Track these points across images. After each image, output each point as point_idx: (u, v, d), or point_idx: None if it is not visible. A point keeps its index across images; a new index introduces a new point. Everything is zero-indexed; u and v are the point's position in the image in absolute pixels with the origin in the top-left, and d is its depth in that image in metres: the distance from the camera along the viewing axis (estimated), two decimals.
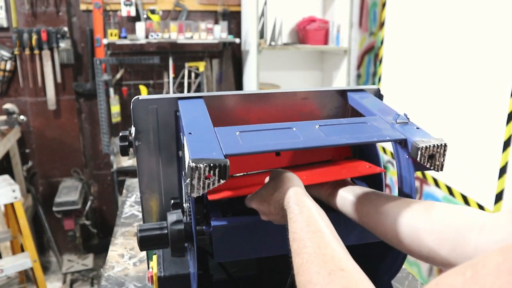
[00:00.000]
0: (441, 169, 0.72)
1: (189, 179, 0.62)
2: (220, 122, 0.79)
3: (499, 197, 1.80)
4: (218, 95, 0.87)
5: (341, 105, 0.97)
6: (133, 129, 0.85)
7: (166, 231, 0.74)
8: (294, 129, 0.74)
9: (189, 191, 0.63)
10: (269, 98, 0.91)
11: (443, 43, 2.13)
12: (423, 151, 0.70)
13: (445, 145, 0.71)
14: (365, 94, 0.94)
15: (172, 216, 0.75)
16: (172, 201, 0.90)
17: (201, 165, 0.61)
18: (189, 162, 0.62)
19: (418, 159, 0.70)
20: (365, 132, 0.75)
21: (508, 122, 1.74)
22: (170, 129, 0.86)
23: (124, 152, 0.86)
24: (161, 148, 0.87)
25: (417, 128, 0.77)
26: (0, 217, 2.56)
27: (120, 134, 0.86)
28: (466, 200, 2.00)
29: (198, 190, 0.62)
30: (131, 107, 0.82)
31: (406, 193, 0.78)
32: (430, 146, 0.70)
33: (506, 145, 1.76)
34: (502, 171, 1.78)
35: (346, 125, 0.78)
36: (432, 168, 0.72)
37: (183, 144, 0.73)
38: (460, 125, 1.99)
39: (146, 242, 0.75)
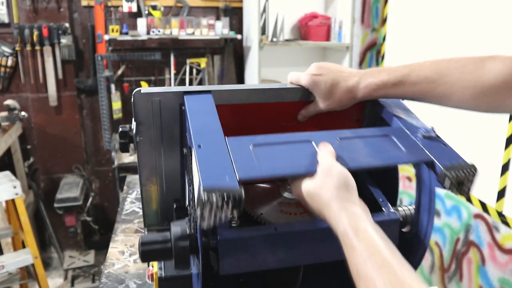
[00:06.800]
0: (467, 195, 0.69)
1: (199, 209, 0.58)
2: (229, 120, 0.76)
3: (501, 194, 1.79)
4: (228, 90, 0.82)
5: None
6: (133, 124, 0.80)
7: (170, 245, 0.69)
8: (312, 142, 0.69)
9: (198, 222, 0.59)
10: (281, 93, 0.85)
11: (446, 39, 2.12)
12: (453, 180, 0.66)
13: (475, 170, 0.67)
14: (393, 100, 0.88)
15: (177, 229, 0.70)
16: (175, 205, 0.85)
17: (214, 198, 0.57)
18: (200, 192, 0.57)
19: (445, 186, 0.67)
20: (389, 149, 0.71)
21: (511, 119, 1.73)
22: (174, 124, 0.81)
23: (124, 148, 0.82)
24: (164, 144, 0.83)
25: (444, 145, 0.72)
26: (1, 213, 2.56)
27: (120, 129, 0.81)
28: (467, 197, 1.99)
29: (209, 220, 0.58)
30: (132, 100, 0.77)
31: (424, 211, 0.74)
32: (460, 173, 0.65)
33: (508, 142, 1.75)
34: (505, 168, 1.77)
35: (369, 139, 0.73)
36: (458, 193, 0.68)
37: (191, 154, 0.68)
38: (462, 121, 1.98)
39: (149, 256, 0.71)
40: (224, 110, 0.77)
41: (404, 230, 0.81)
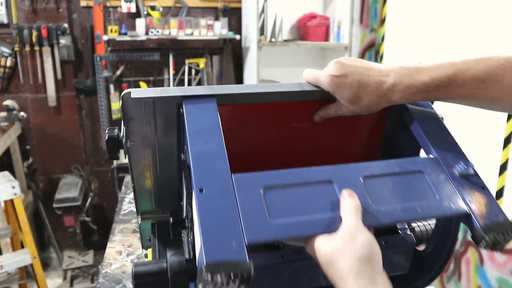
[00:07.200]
0: (500, 251, 0.64)
1: (201, 285, 0.50)
2: (232, 120, 0.68)
3: (499, 194, 1.79)
4: (234, 94, 0.68)
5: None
6: (123, 129, 0.69)
7: (166, 277, 0.62)
8: (334, 185, 0.60)
9: None
10: (296, 95, 0.72)
11: (444, 39, 2.12)
12: (489, 242, 0.58)
13: None
14: (427, 108, 0.77)
15: (174, 261, 0.62)
16: (172, 220, 0.75)
17: (218, 278, 0.49)
18: (201, 269, 0.49)
19: (479, 246, 0.59)
20: (421, 196, 0.61)
21: (508, 119, 1.73)
22: (170, 127, 0.70)
23: (113, 156, 0.72)
24: (159, 144, 0.73)
25: (483, 188, 0.63)
26: (0, 214, 2.56)
27: (107, 136, 0.70)
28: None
29: None
30: (120, 103, 0.66)
31: (444, 236, 0.69)
32: (499, 236, 0.58)
33: (506, 142, 1.75)
34: (503, 168, 1.77)
35: (398, 179, 0.63)
36: (490, 250, 0.61)
37: (190, 173, 0.60)
38: (460, 122, 1.98)
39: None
40: (228, 110, 0.68)
41: (418, 248, 0.76)
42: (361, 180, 0.61)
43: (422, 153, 0.72)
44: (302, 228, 0.55)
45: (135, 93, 0.64)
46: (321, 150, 0.79)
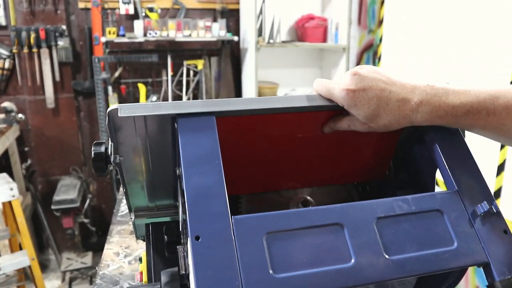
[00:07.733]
0: None
1: None
2: (232, 132, 0.63)
3: (497, 194, 1.79)
4: (235, 111, 0.61)
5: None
6: (110, 145, 0.63)
7: None
8: (345, 229, 0.54)
9: None
10: (304, 107, 0.67)
11: (442, 40, 2.12)
12: None
13: None
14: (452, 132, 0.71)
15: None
16: (166, 238, 0.71)
17: None
18: None
19: None
20: (437, 242, 0.55)
21: None
22: (165, 140, 0.63)
23: (101, 173, 0.66)
24: (152, 157, 0.67)
25: (505, 232, 0.58)
26: None
27: (93, 153, 0.63)
28: None
29: None
30: (106, 120, 0.59)
31: None
32: None
33: None
34: (500, 168, 1.78)
35: (414, 220, 0.57)
36: None
37: (184, 201, 0.54)
38: None
39: None
40: (228, 121, 0.62)
41: None
42: (374, 224, 0.55)
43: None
44: (308, 285, 0.49)
45: (123, 110, 0.56)
46: (329, 160, 0.76)
